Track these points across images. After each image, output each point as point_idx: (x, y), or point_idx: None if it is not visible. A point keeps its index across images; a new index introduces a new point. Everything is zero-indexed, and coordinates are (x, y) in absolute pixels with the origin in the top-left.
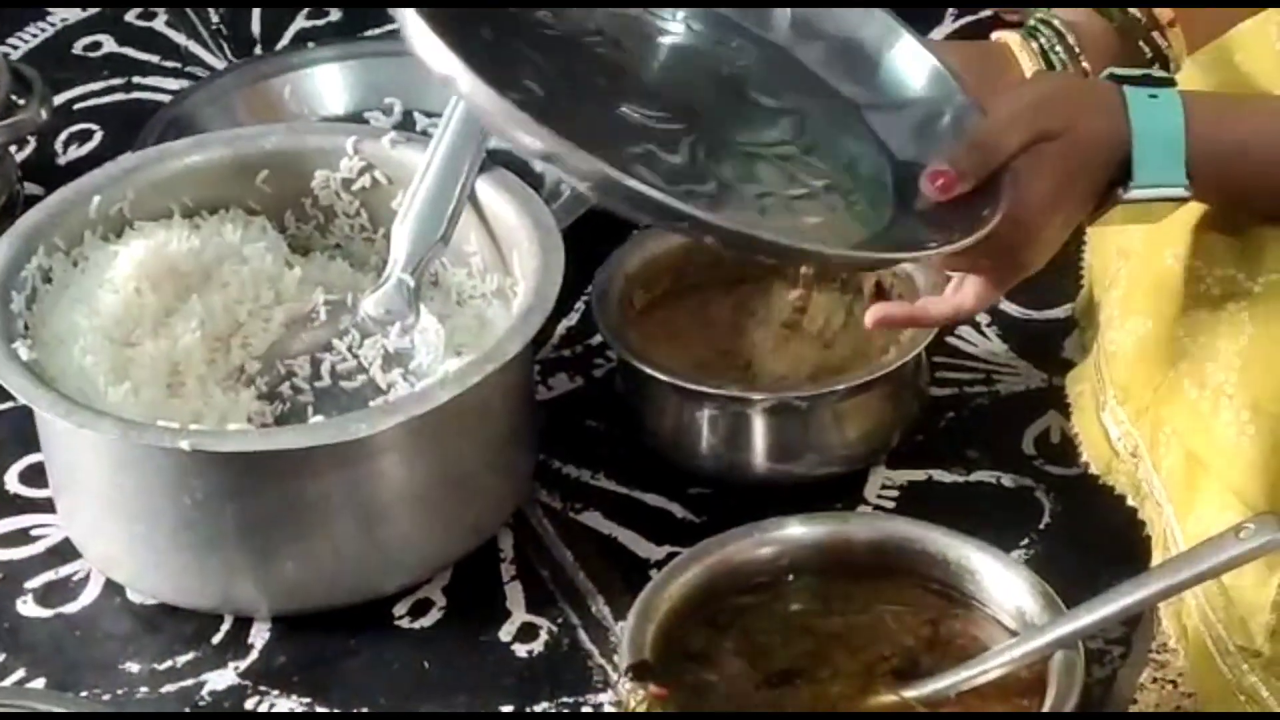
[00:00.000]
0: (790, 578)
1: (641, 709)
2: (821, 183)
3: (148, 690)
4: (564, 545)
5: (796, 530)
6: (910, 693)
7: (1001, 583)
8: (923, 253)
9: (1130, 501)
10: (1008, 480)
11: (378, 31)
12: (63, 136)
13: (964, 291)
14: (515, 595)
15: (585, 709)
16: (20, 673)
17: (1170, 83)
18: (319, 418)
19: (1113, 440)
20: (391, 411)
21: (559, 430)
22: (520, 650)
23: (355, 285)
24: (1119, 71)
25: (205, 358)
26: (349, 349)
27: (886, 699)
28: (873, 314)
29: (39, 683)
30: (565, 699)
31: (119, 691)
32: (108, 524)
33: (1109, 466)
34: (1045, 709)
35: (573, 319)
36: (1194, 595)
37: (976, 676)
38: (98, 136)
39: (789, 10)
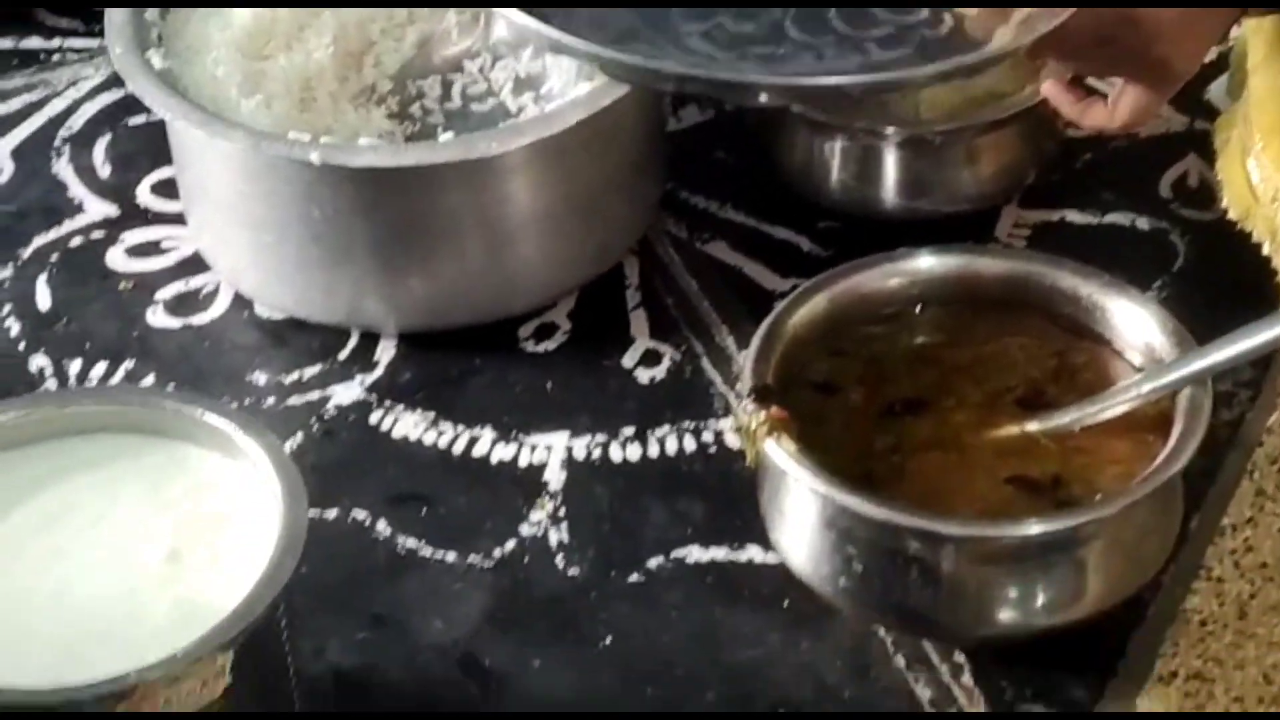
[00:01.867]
0: (918, 309)
1: (761, 432)
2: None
3: (274, 401)
4: (689, 275)
5: (926, 262)
6: (1033, 425)
7: (1131, 319)
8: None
9: (1266, 250)
10: (1142, 223)
11: None
12: None
13: (1120, 102)
14: (639, 322)
15: (706, 434)
16: (150, 378)
17: None
18: (449, 134)
19: (1254, 185)
20: (520, 132)
21: (688, 161)
22: (642, 376)
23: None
24: None
25: (337, 74)
26: (480, 71)
27: (1008, 430)
28: (1045, 88)
29: (169, 389)
30: (686, 423)
31: (246, 401)
32: (237, 237)
33: (1248, 212)
34: (1169, 447)
35: None
36: None
37: (1102, 411)
38: None
39: None
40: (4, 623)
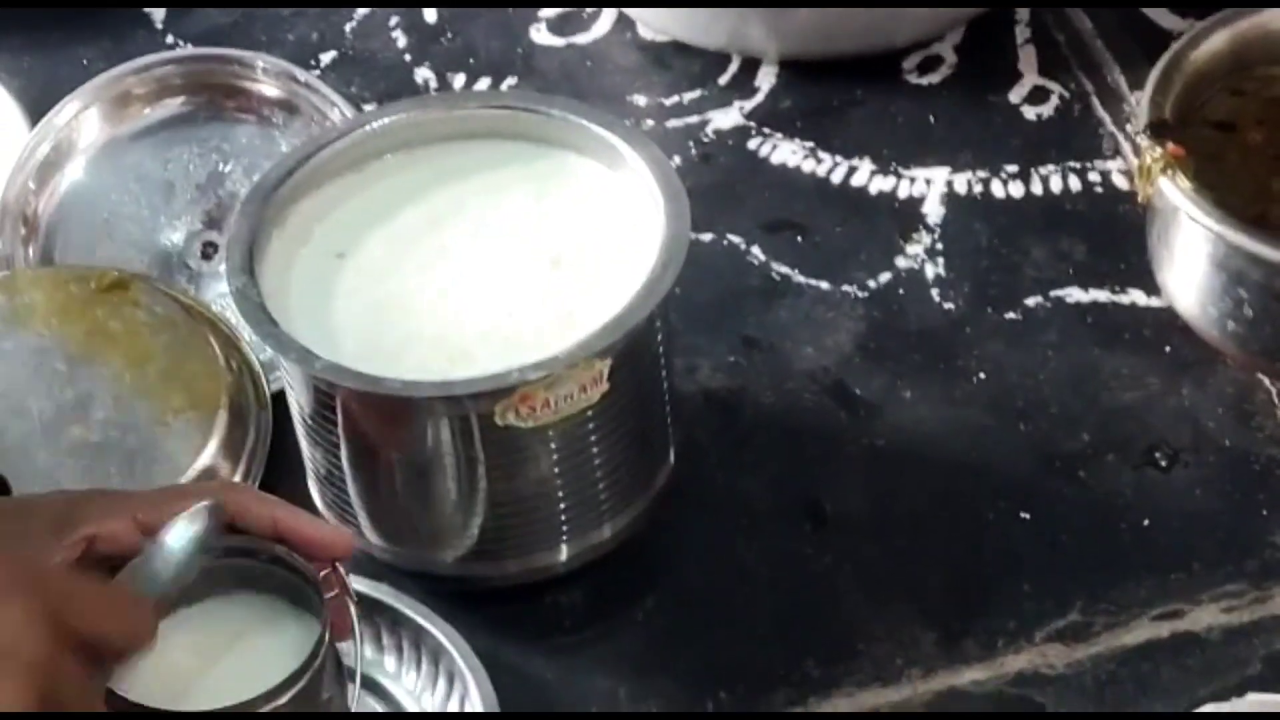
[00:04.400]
0: None
1: (1156, 168)
2: None
3: (654, 123)
4: (1083, 11)
5: None
6: None
7: None
8: None
9: None
10: None
11: None
12: None
13: None
14: (1028, 58)
15: (1092, 174)
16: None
17: None
18: None
19: None
20: None
21: None
22: (1029, 113)
23: None
24: None
25: None
26: None
27: None
28: None
29: None
30: (1072, 163)
31: (626, 122)
32: None
33: None
34: None
35: None
36: None
37: None
38: None
39: None
40: (392, 319)
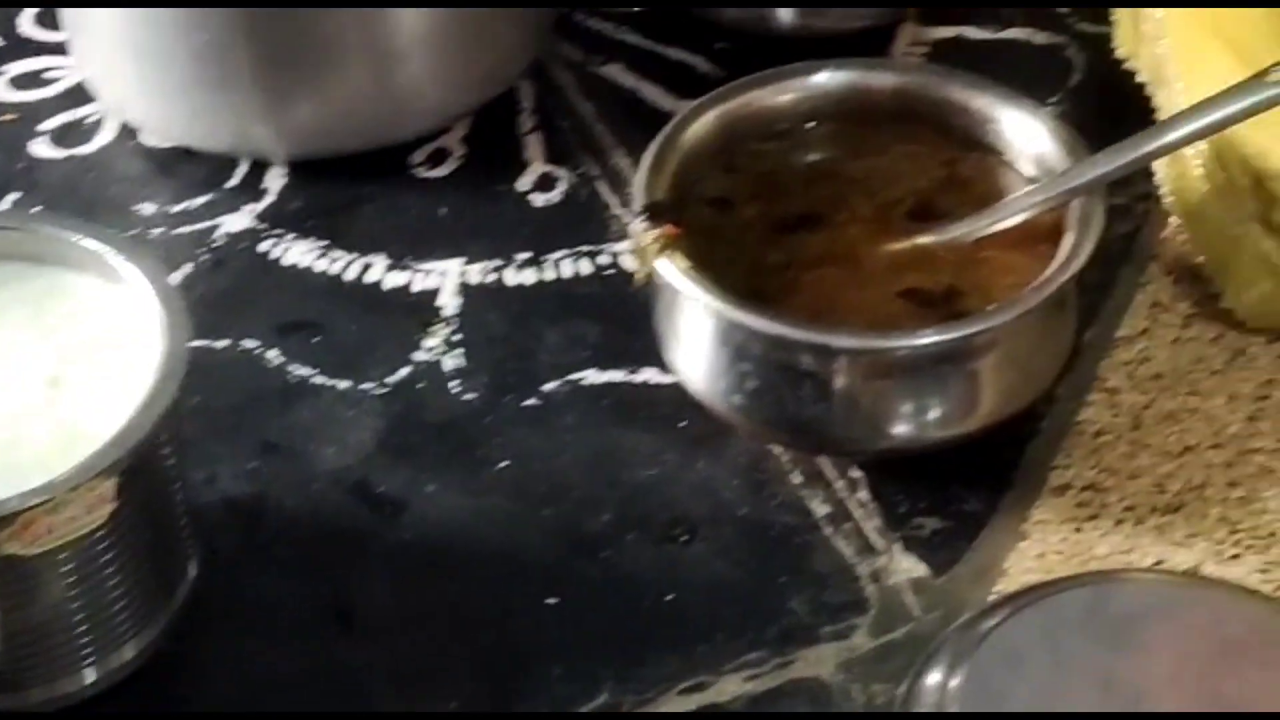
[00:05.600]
0: (810, 125)
1: (654, 249)
2: None
3: (162, 231)
4: (585, 98)
5: (818, 77)
6: (926, 237)
7: (1024, 129)
8: None
9: (1148, 89)
10: (1040, 38)
11: None
12: None
13: None
14: (534, 146)
15: (601, 257)
16: (38, 210)
17: None
18: None
19: (1139, 24)
20: None
21: None
22: (538, 200)
23: None
24: None
25: None
26: None
27: (901, 244)
28: None
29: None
30: (582, 247)
31: (133, 232)
32: (121, 64)
33: (1133, 52)
34: (1062, 255)
35: None
36: (1199, 165)
37: (995, 222)
38: None
39: None
40: None
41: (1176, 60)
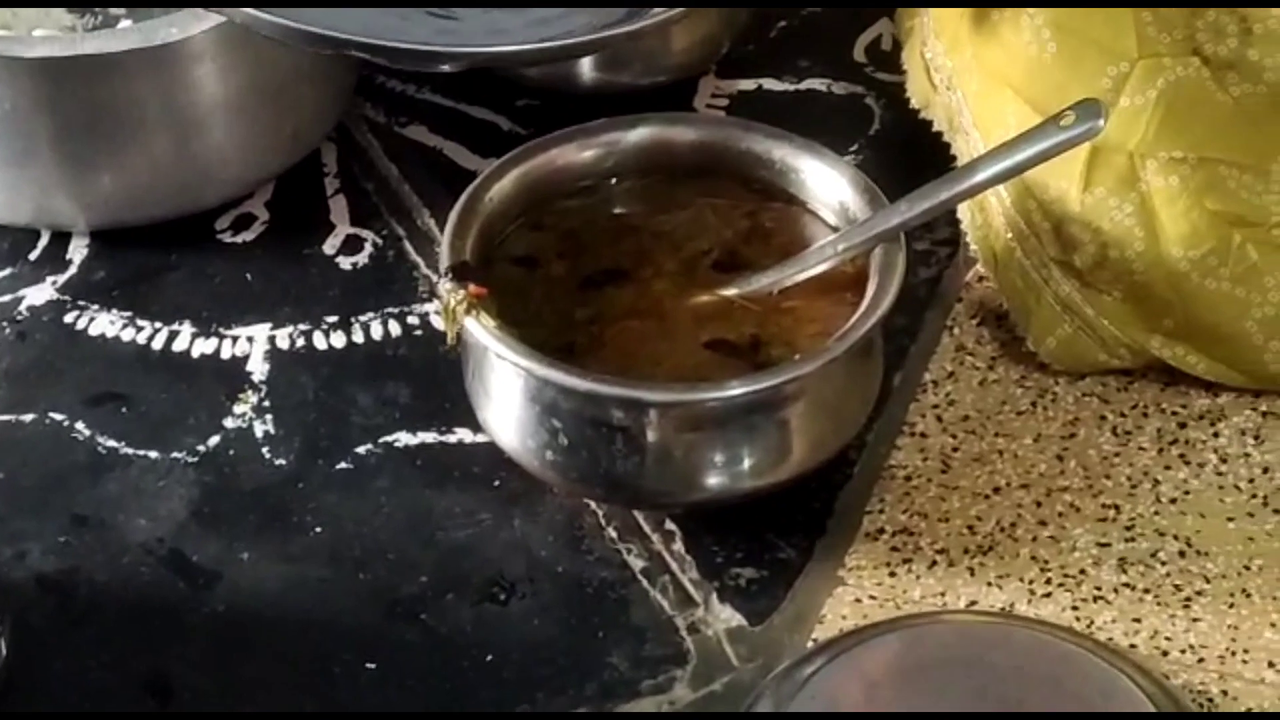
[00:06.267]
0: (614, 180)
1: (462, 309)
2: None
3: None
4: (388, 159)
5: (619, 132)
6: (731, 289)
7: (824, 179)
8: None
9: (945, 138)
10: (839, 88)
11: None
12: None
13: None
14: (339, 209)
15: (410, 318)
16: None
17: None
18: (127, 22)
19: (931, 74)
20: (202, 17)
21: None
22: (344, 263)
23: None
24: None
25: None
26: None
27: (707, 296)
28: None
29: None
30: (390, 309)
31: None
32: None
33: (927, 101)
34: (865, 302)
35: None
36: (1001, 212)
37: (798, 272)
38: None
39: None
40: None
41: (970, 109)
